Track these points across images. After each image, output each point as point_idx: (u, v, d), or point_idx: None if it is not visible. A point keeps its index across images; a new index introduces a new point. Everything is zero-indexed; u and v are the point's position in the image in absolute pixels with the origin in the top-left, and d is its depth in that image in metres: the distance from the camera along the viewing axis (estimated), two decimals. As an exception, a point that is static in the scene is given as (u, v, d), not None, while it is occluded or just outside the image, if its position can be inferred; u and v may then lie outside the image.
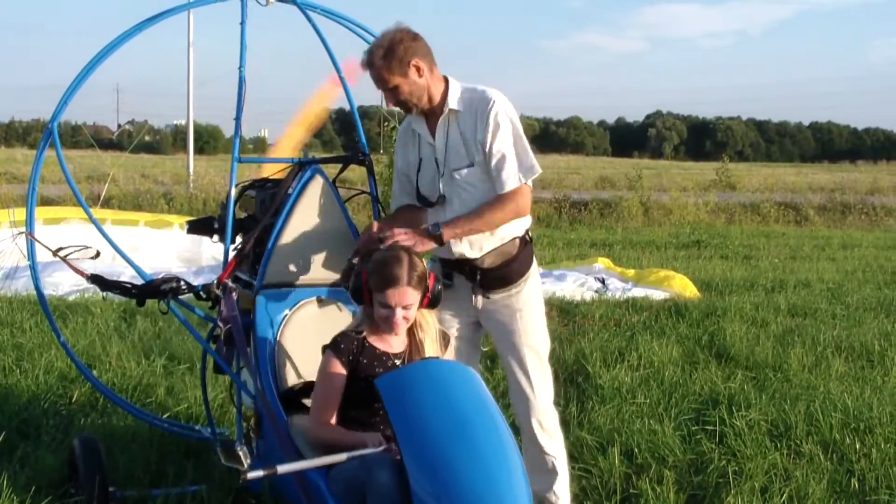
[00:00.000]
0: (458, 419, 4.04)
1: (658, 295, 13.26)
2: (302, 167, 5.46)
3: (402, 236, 4.78)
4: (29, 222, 5.77)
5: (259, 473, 4.07)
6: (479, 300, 5.20)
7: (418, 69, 4.98)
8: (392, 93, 5.02)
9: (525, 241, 5.22)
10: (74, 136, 67.22)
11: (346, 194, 5.68)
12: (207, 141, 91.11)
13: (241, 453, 4.25)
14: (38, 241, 5.71)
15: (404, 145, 5.35)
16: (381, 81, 5.00)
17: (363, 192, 5.94)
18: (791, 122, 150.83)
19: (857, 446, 6.73)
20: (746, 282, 15.28)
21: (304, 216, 5.34)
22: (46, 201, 22.02)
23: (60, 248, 5.56)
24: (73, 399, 7.35)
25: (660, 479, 6.03)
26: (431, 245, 4.89)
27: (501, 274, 5.15)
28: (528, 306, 5.21)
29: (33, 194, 5.77)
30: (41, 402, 7.25)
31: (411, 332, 4.70)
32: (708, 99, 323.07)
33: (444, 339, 4.85)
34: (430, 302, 4.70)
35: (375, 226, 4.92)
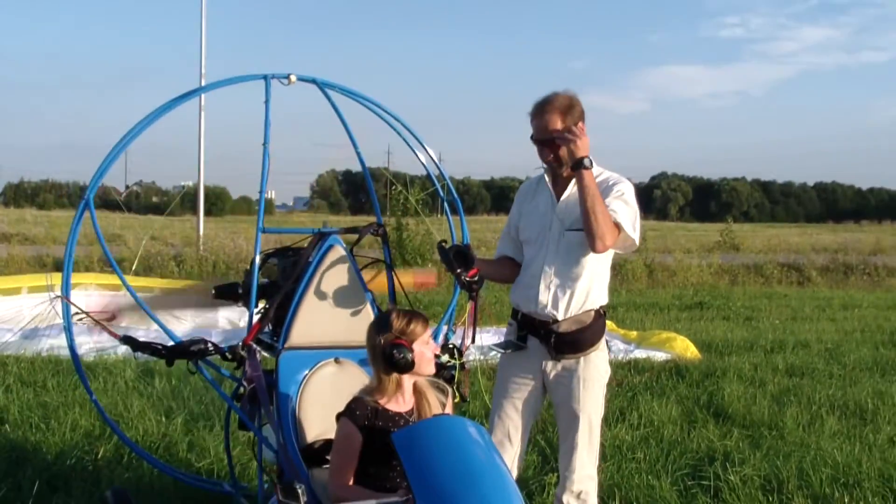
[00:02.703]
0: (466, 469, 4.38)
1: (660, 356, 13.54)
2: (321, 237, 5.87)
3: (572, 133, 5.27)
4: (65, 287, 6.14)
5: None
6: (550, 364, 5.54)
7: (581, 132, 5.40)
8: (553, 144, 5.39)
9: (599, 314, 5.59)
10: (80, 197, 67.33)
11: (362, 262, 6.08)
12: (215, 203, 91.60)
13: (299, 491, 4.58)
14: (74, 305, 6.07)
15: (524, 199, 5.76)
16: (548, 131, 5.39)
17: (378, 260, 6.31)
18: (796, 182, 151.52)
19: (846, 500, 7.06)
20: (746, 343, 15.57)
21: (323, 282, 5.72)
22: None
23: (77, 312, 5.97)
24: (99, 455, 7.68)
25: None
26: (583, 153, 5.26)
27: (573, 339, 5.48)
28: (592, 376, 5.53)
29: (69, 261, 6.12)
30: (68, 459, 7.58)
31: (416, 390, 5.07)
32: (713, 159, 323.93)
33: (443, 390, 5.23)
34: None
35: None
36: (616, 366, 12.63)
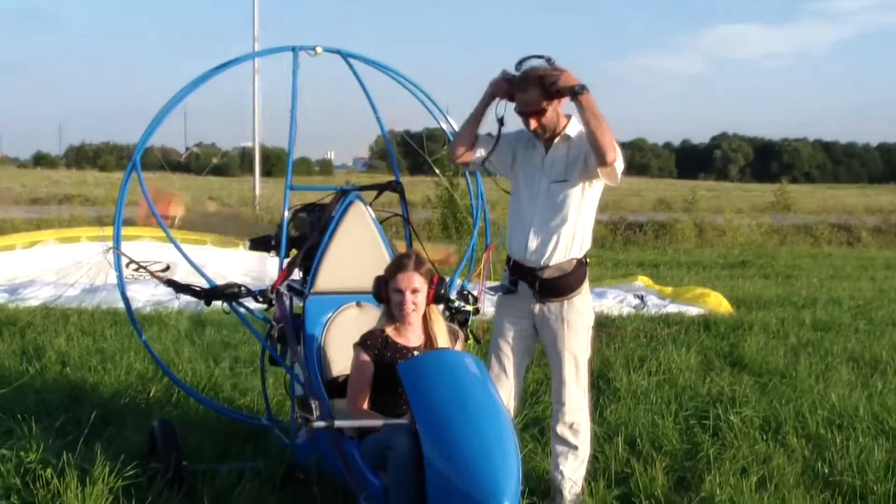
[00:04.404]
0: (462, 398, 4.96)
1: (693, 311, 13.91)
2: (344, 194, 6.50)
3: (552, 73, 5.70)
4: (116, 239, 6.81)
5: (322, 424, 5.14)
6: (537, 306, 6.08)
7: (560, 102, 5.89)
8: (537, 114, 5.85)
9: (581, 263, 6.09)
10: (144, 158, 68.24)
11: (381, 216, 6.69)
12: (275, 164, 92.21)
13: (313, 405, 5.24)
14: (125, 255, 6.77)
15: (520, 142, 6.14)
16: (532, 103, 5.84)
17: (396, 214, 6.97)
18: (859, 142, 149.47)
19: (838, 440, 7.53)
20: (780, 299, 15.98)
21: (346, 235, 6.36)
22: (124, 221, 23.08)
23: (131, 262, 6.72)
24: (151, 394, 8.36)
25: (654, 463, 6.92)
26: (571, 83, 5.69)
27: (555, 285, 6.01)
28: (575, 318, 6.07)
29: (119, 216, 6.82)
30: (122, 397, 8.27)
31: (426, 326, 5.70)
32: (774, 120, 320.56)
33: (454, 333, 5.87)
34: (435, 297, 5.72)
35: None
36: (647, 320, 13.13)
